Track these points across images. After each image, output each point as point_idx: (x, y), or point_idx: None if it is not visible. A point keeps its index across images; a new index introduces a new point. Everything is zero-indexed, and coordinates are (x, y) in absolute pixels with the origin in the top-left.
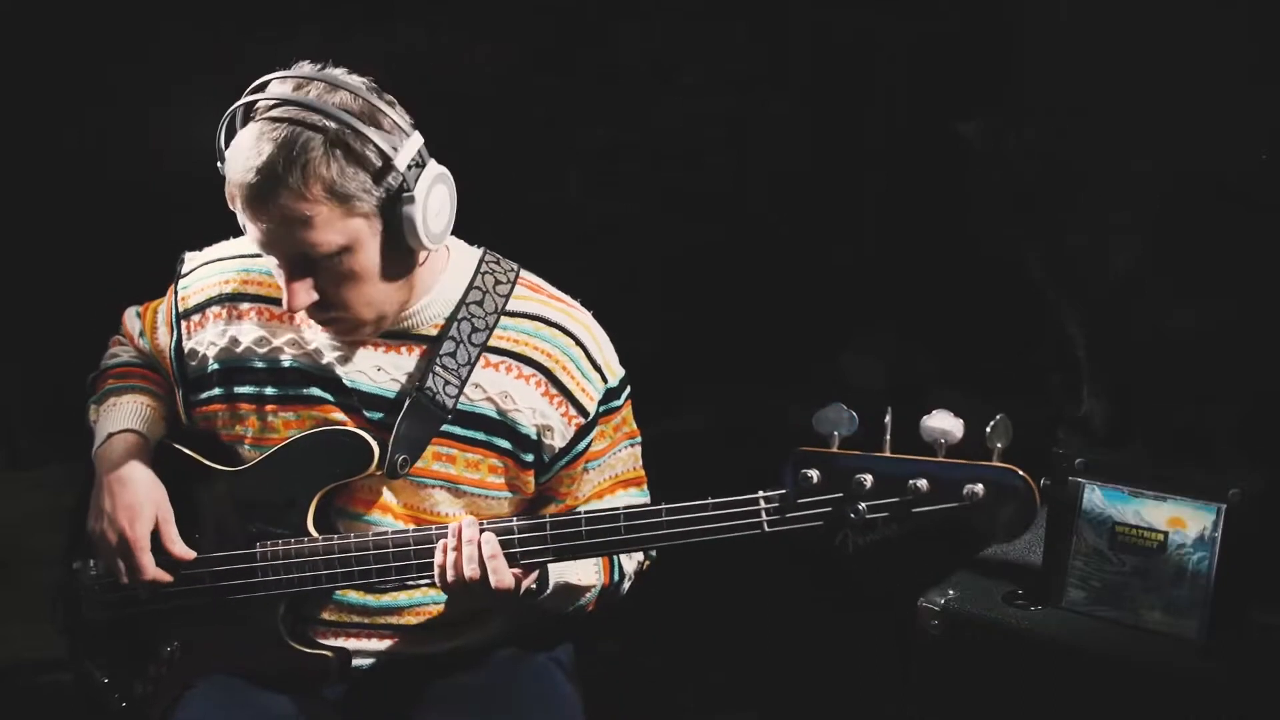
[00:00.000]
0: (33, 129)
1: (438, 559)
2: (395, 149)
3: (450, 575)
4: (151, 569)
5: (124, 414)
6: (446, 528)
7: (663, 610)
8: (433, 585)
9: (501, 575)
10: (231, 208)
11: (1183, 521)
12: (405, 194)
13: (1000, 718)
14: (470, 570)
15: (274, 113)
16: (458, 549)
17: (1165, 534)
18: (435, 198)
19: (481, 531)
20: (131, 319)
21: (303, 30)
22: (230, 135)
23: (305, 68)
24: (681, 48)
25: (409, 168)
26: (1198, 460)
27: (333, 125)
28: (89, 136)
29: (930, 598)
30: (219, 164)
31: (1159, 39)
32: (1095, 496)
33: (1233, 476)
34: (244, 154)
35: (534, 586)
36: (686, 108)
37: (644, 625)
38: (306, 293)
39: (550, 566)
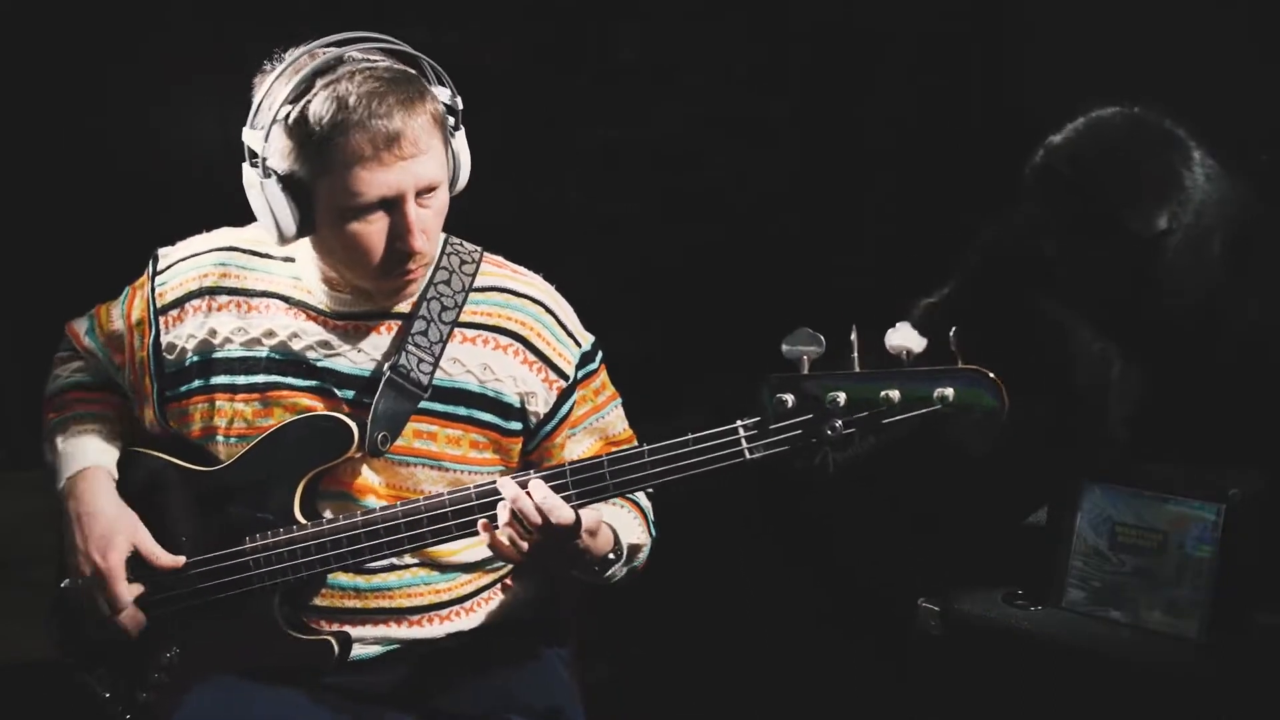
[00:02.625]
0: (32, 129)
1: (485, 537)
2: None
3: (514, 533)
4: (127, 598)
5: (76, 451)
6: (434, 499)
7: (661, 610)
8: (423, 565)
9: (561, 512)
10: (319, 169)
11: (1183, 521)
12: (456, 129)
13: (1000, 718)
14: (533, 519)
15: (347, 67)
16: (510, 511)
17: (1165, 534)
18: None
19: (524, 484)
20: (78, 322)
21: (300, 31)
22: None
23: (304, 46)
24: (681, 48)
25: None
26: (1198, 460)
27: (413, 56)
28: (89, 137)
29: (930, 598)
30: (265, 155)
31: (1158, 39)
32: (1095, 496)
33: (1233, 476)
34: (369, 99)
35: (612, 555)
36: (686, 108)
37: (642, 624)
38: (424, 235)
39: (620, 531)
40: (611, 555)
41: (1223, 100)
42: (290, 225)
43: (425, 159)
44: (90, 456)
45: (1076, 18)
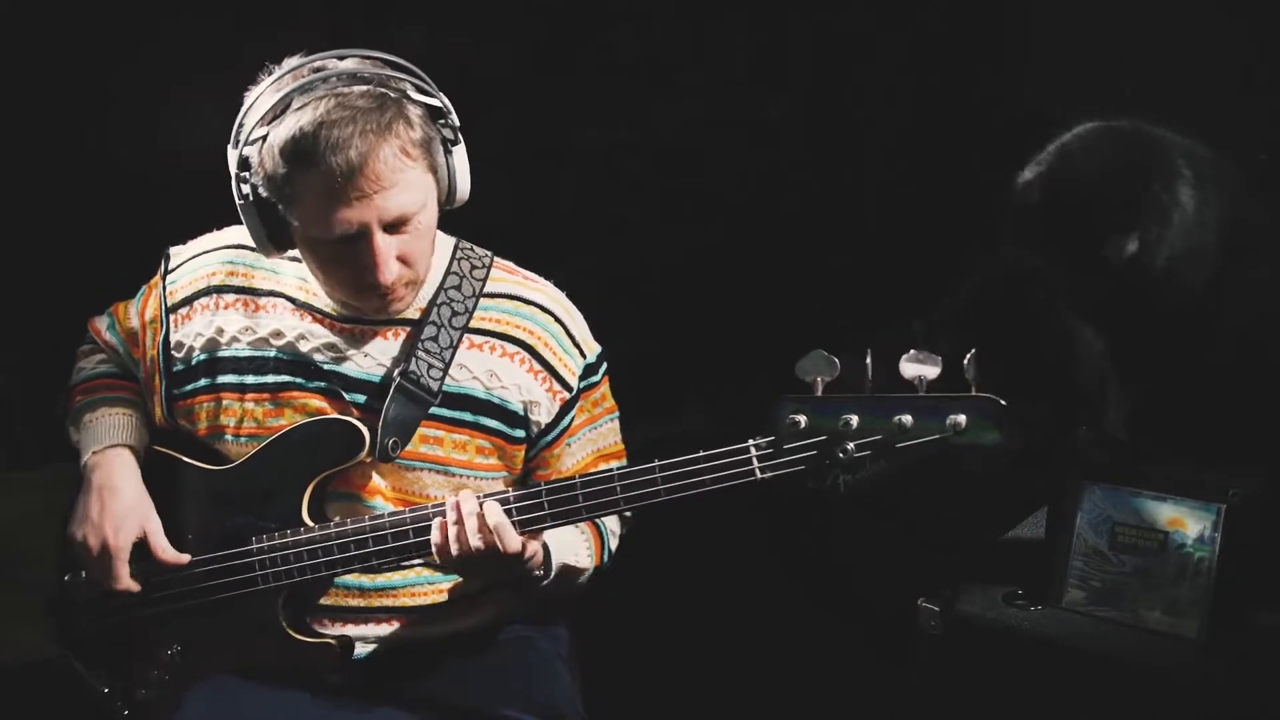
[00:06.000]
0: (34, 128)
1: (435, 537)
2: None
3: (454, 549)
4: (125, 579)
5: (105, 428)
6: (442, 505)
7: (661, 610)
8: (427, 565)
9: (509, 540)
10: (286, 199)
11: (1183, 521)
12: (453, 144)
13: (1000, 718)
14: (475, 541)
15: (324, 88)
16: (459, 523)
17: (1165, 534)
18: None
19: (481, 502)
20: (98, 319)
21: (299, 31)
22: (234, 144)
23: (294, 60)
24: (681, 48)
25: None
26: (1198, 460)
27: (400, 76)
28: (91, 136)
29: (930, 598)
30: (245, 175)
31: (1157, 39)
32: (1095, 496)
33: (1233, 476)
34: (328, 131)
35: (539, 572)
36: (686, 108)
37: (642, 624)
38: (395, 263)
39: (552, 551)
40: (538, 572)
41: (1222, 100)
42: (267, 244)
43: (391, 192)
44: (121, 435)
45: (1078, 16)
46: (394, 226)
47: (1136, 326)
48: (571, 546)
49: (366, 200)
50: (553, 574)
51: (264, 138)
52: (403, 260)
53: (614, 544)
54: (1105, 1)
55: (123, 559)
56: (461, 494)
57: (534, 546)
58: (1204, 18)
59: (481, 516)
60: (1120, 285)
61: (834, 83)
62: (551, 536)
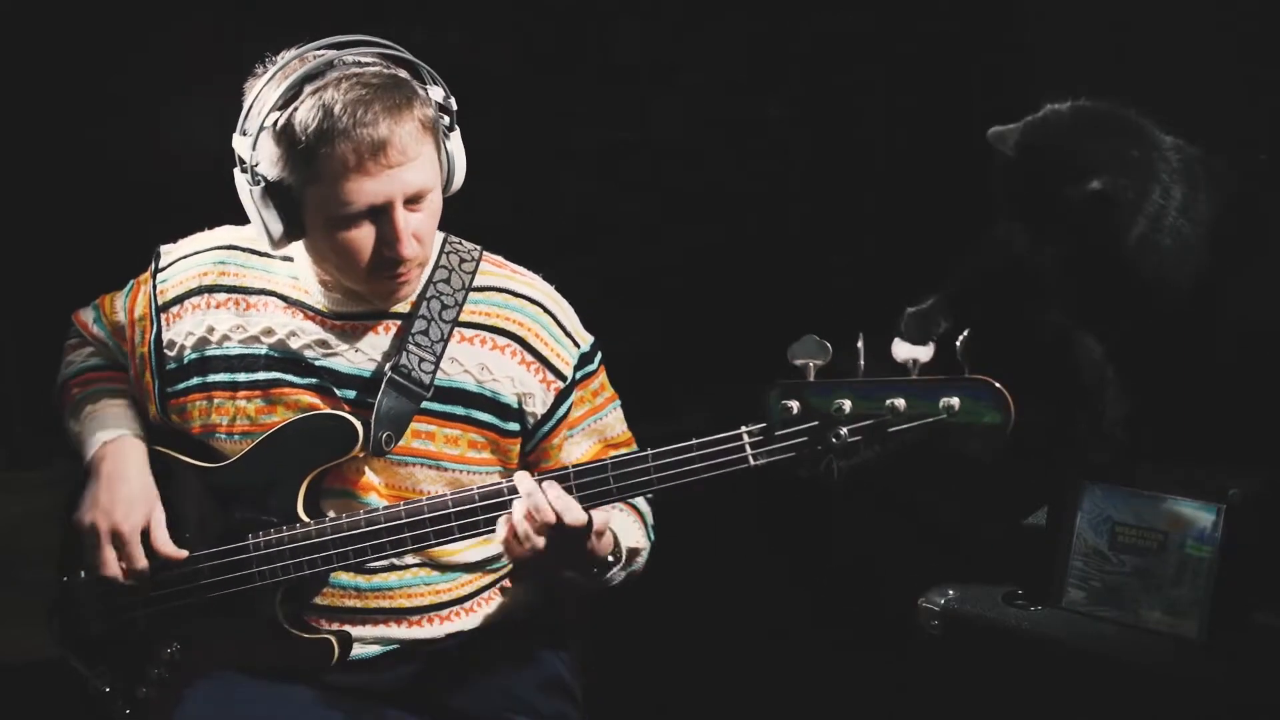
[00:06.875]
0: (32, 129)
1: (502, 532)
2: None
3: (529, 528)
4: (142, 560)
5: (112, 418)
6: (437, 499)
7: (660, 611)
8: (423, 565)
9: (574, 512)
10: (306, 179)
11: (1183, 521)
12: (450, 129)
13: (1000, 718)
14: (547, 517)
15: (335, 72)
16: (528, 511)
17: (1165, 534)
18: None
19: (540, 481)
20: (84, 312)
21: (299, 31)
22: (241, 127)
23: (292, 51)
24: (681, 48)
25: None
26: (1198, 460)
27: (406, 58)
28: (91, 137)
29: (930, 598)
30: (255, 163)
31: (1158, 39)
32: (1095, 496)
33: (1233, 476)
34: (354, 107)
35: (611, 558)
36: (686, 108)
37: (642, 625)
38: (413, 239)
39: (620, 534)
40: (611, 558)
41: (1222, 100)
42: (279, 231)
43: (413, 166)
44: (126, 425)
45: (1077, 17)
46: (412, 201)
47: (1136, 326)
48: (630, 530)
49: (391, 173)
50: (623, 559)
51: (276, 123)
52: (416, 239)
53: (651, 521)
54: (1106, 2)
55: (135, 542)
56: (517, 476)
57: (601, 519)
58: (1204, 18)
59: (543, 492)
60: (1108, 269)
61: (834, 83)
62: (612, 522)
